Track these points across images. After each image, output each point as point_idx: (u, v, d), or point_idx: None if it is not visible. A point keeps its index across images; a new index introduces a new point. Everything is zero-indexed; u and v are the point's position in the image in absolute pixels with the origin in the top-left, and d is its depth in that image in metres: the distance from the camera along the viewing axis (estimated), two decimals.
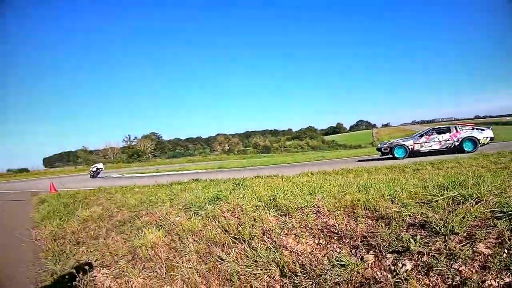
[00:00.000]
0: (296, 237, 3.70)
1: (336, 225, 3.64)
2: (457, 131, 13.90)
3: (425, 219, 3.16)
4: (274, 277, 3.21)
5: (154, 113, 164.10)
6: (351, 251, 3.16)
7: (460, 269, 2.42)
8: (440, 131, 14.35)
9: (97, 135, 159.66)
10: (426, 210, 3.36)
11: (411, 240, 2.86)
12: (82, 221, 6.80)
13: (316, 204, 4.27)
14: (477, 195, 3.41)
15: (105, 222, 6.36)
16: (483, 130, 13.60)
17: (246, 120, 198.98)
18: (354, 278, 2.77)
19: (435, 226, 2.97)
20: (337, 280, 2.79)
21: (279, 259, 3.35)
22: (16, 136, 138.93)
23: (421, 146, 14.40)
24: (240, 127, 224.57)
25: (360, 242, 3.19)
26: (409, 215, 3.35)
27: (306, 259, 3.25)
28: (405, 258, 2.75)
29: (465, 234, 2.77)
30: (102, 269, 4.41)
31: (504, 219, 2.80)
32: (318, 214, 4.01)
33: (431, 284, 2.43)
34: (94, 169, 27.26)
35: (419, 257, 2.70)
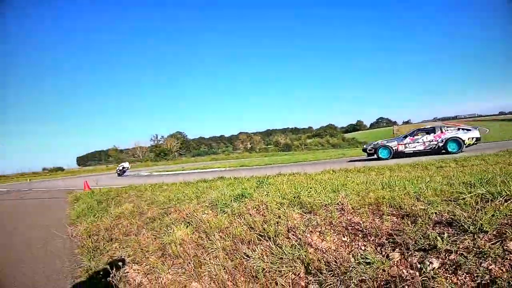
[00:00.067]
0: (321, 234, 3.69)
1: (361, 222, 3.61)
2: (441, 131, 13.86)
3: (452, 217, 3.09)
4: (299, 274, 3.21)
5: (180, 112, 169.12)
6: (376, 249, 3.13)
7: (490, 267, 2.36)
8: (425, 132, 14.37)
9: (127, 134, 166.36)
10: (453, 207, 3.27)
11: (438, 238, 2.80)
12: (114, 218, 6.98)
13: (340, 201, 4.24)
14: (506, 193, 3.28)
15: (136, 219, 6.48)
16: (468, 130, 13.46)
17: (268, 118, 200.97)
18: (379, 276, 2.74)
19: (463, 224, 2.89)
20: (362, 277, 2.76)
21: (304, 256, 3.34)
22: (50, 135, 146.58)
23: (405, 147, 14.50)
24: (262, 125, 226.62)
25: (386, 239, 3.16)
26: (436, 213, 3.28)
27: (331, 256, 3.22)
28: (432, 256, 2.70)
29: (494, 233, 2.69)
30: (134, 265, 4.49)
31: None
32: (342, 212, 3.99)
33: (459, 283, 2.38)
34: (121, 167, 28.57)
35: (446, 255, 2.65)
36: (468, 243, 2.65)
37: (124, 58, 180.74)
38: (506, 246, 2.47)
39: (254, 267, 3.47)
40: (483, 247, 2.53)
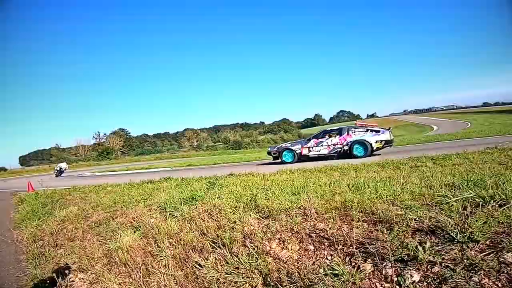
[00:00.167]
0: (281, 242, 3.30)
1: (327, 229, 3.21)
2: (348, 134, 12.88)
3: (436, 223, 2.70)
4: (256, 286, 2.86)
5: (121, 108, 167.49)
6: (345, 259, 2.72)
7: (483, 282, 1.99)
8: (331, 134, 13.45)
9: (68, 132, 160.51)
10: (436, 213, 2.89)
11: (419, 247, 2.40)
12: (59, 222, 6.58)
13: (301, 205, 3.87)
14: (500, 196, 2.95)
15: (81, 223, 6.12)
16: (378, 132, 12.52)
17: (215, 113, 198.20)
18: None
19: (449, 232, 2.51)
20: None
21: (262, 266, 2.97)
22: None
23: (309, 151, 13.61)
24: (209, 121, 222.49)
25: (356, 248, 2.73)
26: (415, 219, 2.88)
27: (293, 267, 2.83)
28: (411, 268, 2.31)
29: (488, 242, 2.33)
30: (79, 273, 4.25)
31: None
32: (305, 217, 3.60)
33: None
34: (58, 168, 28.24)
35: (429, 267, 2.27)
36: (456, 253, 2.28)
37: (62, 52, 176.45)
38: (503, 258, 2.09)
39: (207, 277, 3.19)
40: (474, 258, 2.15)
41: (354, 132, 12.74)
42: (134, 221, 5.20)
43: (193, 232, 4.07)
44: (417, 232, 2.71)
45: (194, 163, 20.15)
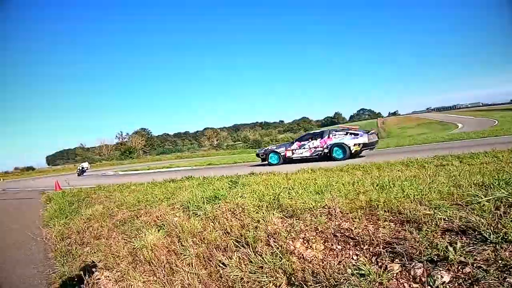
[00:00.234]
0: (305, 241, 3.26)
1: (352, 228, 3.15)
2: (328, 137, 13.12)
3: (467, 223, 2.61)
4: (280, 285, 2.85)
5: (143, 108, 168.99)
6: (371, 259, 2.66)
7: None
8: (314, 137, 13.69)
9: (93, 131, 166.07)
10: (467, 213, 2.78)
11: (450, 248, 2.33)
12: (85, 220, 6.73)
13: (326, 205, 3.80)
14: None
15: (107, 222, 6.22)
16: (356, 135, 12.59)
17: (235, 112, 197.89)
18: None
19: (481, 232, 2.42)
20: None
21: (286, 265, 2.95)
22: (20, 136, 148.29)
23: (293, 153, 14.04)
24: (229, 120, 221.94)
25: (382, 248, 2.67)
26: (444, 219, 2.79)
27: (318, 266, 2.81)
28: (441, 269, 2.24)
29: None
30: (105, 271, 4.30)
31: None
32: (329, 216, 3.54)
33: None
34: (80, 168, 30.17)
35: (460, 268, 2.20)
36: (489, 254, 2.20)
37: (86, 54, 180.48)
38: None
39: (231, 276, 3.17)
40: (509, 259, 2.07)
41: (335, 135, 13.03)
42: (158, 219, 5.22)
43: (216, 231, 4.05)
44: (446, 232, 2.63)
45: (214, 162, 20.34)
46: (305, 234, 3.34)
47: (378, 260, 2.60)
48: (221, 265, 3.42)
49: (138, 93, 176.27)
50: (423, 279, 2.23)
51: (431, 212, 2.96)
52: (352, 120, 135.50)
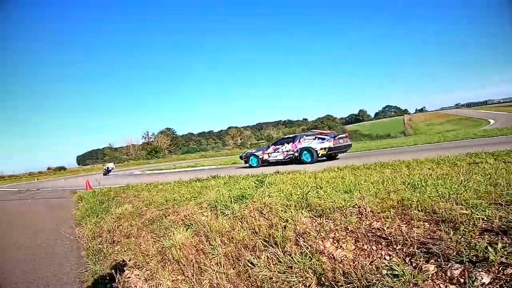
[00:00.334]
0: (335, 241, 3.21)
1: (384, 228, 3.07)
2: (299, 141, 13.91)
3: (507, 223, 2.50)
4: (310, 285, 2.81)
5: (168, 108, 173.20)
6: (404, 259, 2.59)
7: None
8: (287, 141, 14.55)
9: (120, 131, 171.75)
10: (507, 213, 2.67)
11: (490, 248, 2.24)
12: (116, 219, 6.86)
13: (356, 204, 3.74)
14: None
15: (136, 221, 6.32)
16: (323, 140, 13.21)
17: (258, 111, 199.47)
18: None
19: None
20: None
21: (316, 265, 2.92)
22: (51, 136, 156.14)
23: (269, 156, 15.08)
24: (252, 119, 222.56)
25: (417, 249, 2.59)
26: (483, 219, 2.68)
27: (348, 266, 2.76)
28: (480, 270, 2.16)
29: None
30: (135, 270, 4.38)
31: None
32: (360, 216, 3.47)
33: None
34: (106, 168, 32.47)
35: (501, 269, 2.11)
36: None
37: (112, 56, 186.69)
38: None
39: (260, 276, 3.17)
40: None
41: (304, 139, 13.83)
42: (186, 219, 5.26)
43: (244, 230, 4.04)
44: (485, 233, 2.52)
45: (238, 161, 20.38)
46: (335, 234, 3.29)
47: (412, 260, 2.53)
48: (249, 264, 3.40)
49: (163, 93, 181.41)
50: (461, 280, 2.16)
51: (468, 212, 2.85)
52: (377, 117, 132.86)
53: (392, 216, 3.24)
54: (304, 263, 2.99)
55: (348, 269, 2.71)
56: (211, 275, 3.50)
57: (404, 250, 2.68)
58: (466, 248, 2.35)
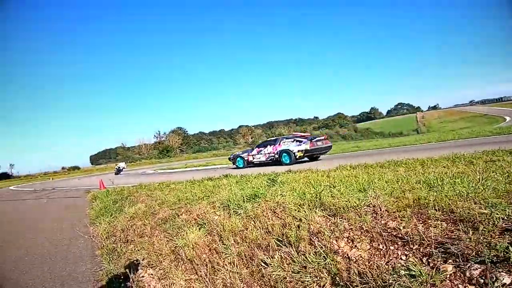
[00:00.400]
0: (350, 241, 3.17)
1: (400, 228, 3.03)
2: (279, 144, 14.53)
3: None
4: (324, 286, 2.79)
5: (179, 106, 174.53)
6: (421, 259, 2.54)
7: None
8: (269, 144, 15.21)
9: (131, 130, 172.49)
10: None
11: (510, 248, 2.19)
12: (129, 218, 6.90)
13: (371, 203, 3.68)
14: None
15: (149, 220, 6.36)
16: (300, 142, 13.66)
17: (269, 109, 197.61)
18: None
19: None
20: None
21: (330, 265, 2.89)
22: (66, 137, 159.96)
23: (253, 158, 15.73)
24: (263, 117, 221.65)
25: (434, 249, 2.55)
26: (503, 218, 2.62)
27: (364, 266, 2.72)
28: (501, 270, 2.11)
29: None
30: (149, 269, 4.40)
31: None
32: (375, 215, 3.43)
33: None
34: (117, 167, 33.64)
35: None
36: None
37: (125, 56, 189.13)
38: None
39: (273, 276, 3.15)
40: None
41: (284, 142, 14.42)
42: (199, 218, 5.26)
43: (257, 230, 4.02)
44: (506, 232, 2.46)
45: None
46: (349, 233, 3.25)
47: (429, 260, 2.48)
48: (263, 264, 3.38)
49: (174, 92, 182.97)
50: (480, 280, 2.11)
51: (487, 211, 2.79)
52: (389, 115, 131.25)
53: (408, 216, 3.18)
54: (318, 263, 2.97)
55: (363, 269, 2.68)
56: (224, 274, 3.49)
57: (421, 250, 2.64)
58: (486, 248, 2.30)
